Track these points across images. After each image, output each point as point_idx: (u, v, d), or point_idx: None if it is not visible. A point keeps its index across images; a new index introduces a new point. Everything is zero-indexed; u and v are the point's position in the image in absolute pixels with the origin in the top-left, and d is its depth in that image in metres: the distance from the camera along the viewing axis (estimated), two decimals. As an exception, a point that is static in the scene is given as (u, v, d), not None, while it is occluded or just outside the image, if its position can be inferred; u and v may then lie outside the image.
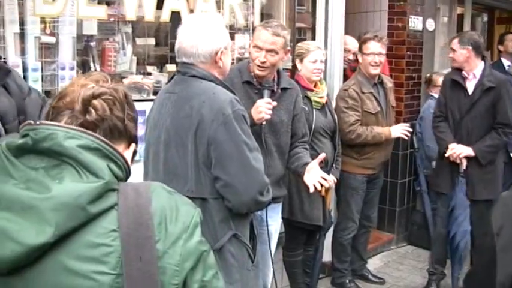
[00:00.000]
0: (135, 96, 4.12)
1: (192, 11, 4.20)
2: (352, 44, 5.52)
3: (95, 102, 1.34)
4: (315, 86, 4.41)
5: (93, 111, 1.33)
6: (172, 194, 1.36)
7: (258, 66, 3.52)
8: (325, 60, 4.64)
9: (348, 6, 5.69)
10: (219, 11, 4.44)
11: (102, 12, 3.86)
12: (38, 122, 1.26)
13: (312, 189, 3.45)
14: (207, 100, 2.61)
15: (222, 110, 2.58)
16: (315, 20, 5.33)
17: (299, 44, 4.57)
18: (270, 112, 3.39)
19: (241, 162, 2.59)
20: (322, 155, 3.63)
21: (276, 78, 3.67)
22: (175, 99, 2.73)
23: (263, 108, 3.37)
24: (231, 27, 4.54)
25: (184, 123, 2.65)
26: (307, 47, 4.43)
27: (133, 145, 1.46)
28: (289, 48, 3.67)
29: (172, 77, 2.89)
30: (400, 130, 4.83)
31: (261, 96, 3.49)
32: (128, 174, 1.35)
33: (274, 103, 3.45)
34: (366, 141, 4.78)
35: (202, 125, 2.58)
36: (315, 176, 3.47)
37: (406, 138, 4.94)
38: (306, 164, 3.59)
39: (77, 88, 1.36)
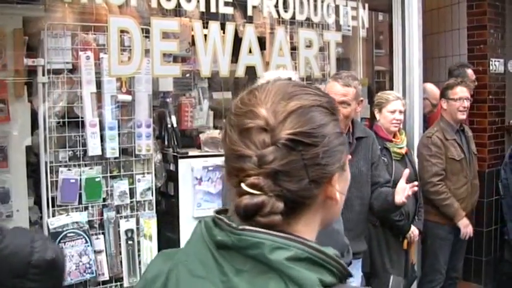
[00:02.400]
0: (212, 151, 3.95)
1: (267, 63, 3.99)
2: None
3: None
4: (394, 137, 4.10)
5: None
6: None
7: None
8: (405, 110, 4.30)
9: (427, 51, 5.38)
10: (295, 63, 4.22)
11: (176, 70, 3.70)
12: (240, 227, 0.99)
13: (401, 200, 3.19)
14: None
15: None
16: (392, 64, 5.04)
17: (378, 94, 4.29)
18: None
19: None
20: (406, 171, 3.30)
21: (350, 129, 3.43)
22: None
23: None
24: (307, 78, 4.31)
25: None
26: (387, 97, 4.14)
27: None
28: (362, 99, 3.44)
29: None
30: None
31: None
32: (345, 273, 1.04)
33: (349, 156, 3.14)
34: (437, 203, 4.40)
35: None
36: (403, 190, 3.21)
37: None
38: (393, 192, 3.30)
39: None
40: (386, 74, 5.34)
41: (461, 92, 4.51)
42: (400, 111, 4.09)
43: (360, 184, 3.38)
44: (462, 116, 4.51)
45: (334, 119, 1.06)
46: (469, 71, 5.39)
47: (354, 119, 3.50)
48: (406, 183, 3.95)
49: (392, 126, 4.06)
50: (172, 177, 3.90)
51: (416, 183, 3.31)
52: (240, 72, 3.83)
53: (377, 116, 4.16)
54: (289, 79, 1.10)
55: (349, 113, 3.32)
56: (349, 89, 3.28)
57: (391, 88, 4.96)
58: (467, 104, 4.51)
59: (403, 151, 4.11)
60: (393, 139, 4.09)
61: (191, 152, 3.95)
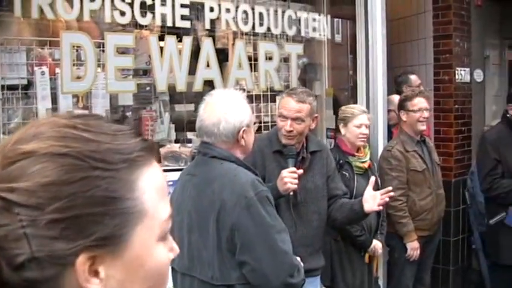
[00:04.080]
0: (172, 165, 3.95)
1: (225, 79, 4.02)
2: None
3: None
4: (357, 151, 4.12)
5: None
6: None
7: (285, 135, 3.31)
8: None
9: (393, 61, 5.44)
10: (255, 75, 4.26)
11: (132, 86, 3.69)
12: None
13: (371, 208, 3.24)
14: (228, 183, 2.45)
15: (244, 193, 2.41)
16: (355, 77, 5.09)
17: (343, 108, 4.27)
18: (296, 181, 3.14)
19: (268, 246, 2.40)
20: (372, 178, 3.36)
21: (304, 144, 3.44)
22: (197, 182, 2.58)
23: (288, 178, 3.12)
24: (271, 89, 4.36)
25: (206, 207, 2.48)
26: (352, 111, 4.12)
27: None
28: (316, 115, 3.46)
29: (193, 157, 2.73)
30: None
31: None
32: None
33: (300, 171, 3.20)
34: (392, 219, 4.44)
35: (225, 210, 2.41)
36: (375, 199, 3.22)
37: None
38: (360, 200, 3.32)
39: None
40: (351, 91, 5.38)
41: (420, 102, 4.54)
42: (366, 126, 4.10)
43: (316, 199, 3.41)
44: (422, 127, 4.54)
45: (96, 175, 0.75)
46: (413, 77, 5.43)
47: (308, 133, 3.51)
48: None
49: (358, 140, 4.06)
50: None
51: (390, 188, 3.34)
52: (198, 86, 3.85)
53: (342, 130, 4.13)
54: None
55: (303, 130, 3.32)
56: (303, 105, 3.29)
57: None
58: (426, 114, 4.54)
59: (366, 165, 4.13)
60: (356, 153, 4.10)
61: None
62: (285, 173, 3.15)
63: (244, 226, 2.38)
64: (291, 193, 3.19)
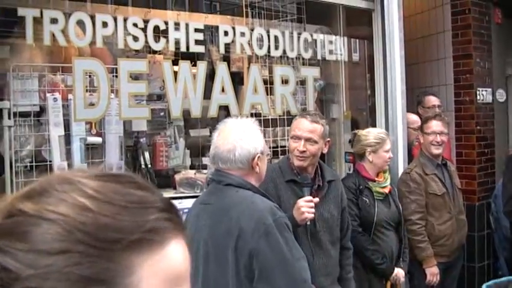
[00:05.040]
0: (188, 192, 3.94)
1: (240, 104, 4.00)
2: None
3: None
4: (377, 175, 4.05)
5: None
6: None
7: (298, 156, 3.27)
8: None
9: (413, 81, 5.38)
10: (271, 98, 4.23)
11: (145, 112, 3.67)
12: None
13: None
14: (245, 210, 2.45)
15: (262, 219, 2.40)
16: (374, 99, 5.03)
17: (364, 133, 4.12)
18: (313, 210, 3.10)
19: (287, 274, 2.39)
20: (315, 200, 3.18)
21: (319, 171, 3.40)
22: (212, 211, 2.56)
23: (305, 208, 3.08)
24: (287, 113, 4.32)
25: (223, 235, 2.46)
26: (380, 137, 4.03)
27: None
28: (329, 139, 3.42)
29: (208, 184, 2.72)
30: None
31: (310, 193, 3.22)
32: None
33: (316, 199, 3.17)
34: (411, 243, 4.32)
35: (243, 237, 2.40)
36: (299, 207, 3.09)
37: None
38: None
39: None
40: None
41: (435, 125, 4.48)
42: (390, 149, 4.09)
43: (331, 228, 3.37)
44: (436, 151, 4.47)
45: (79, 251, 0.66)
46: (428, 98, 5.39)
47: (320, 162, 3.46)
48: (390, 223, 3.96)
49: (386, 164, 4.05)
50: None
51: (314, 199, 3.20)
52: (213, 112, 3.83)
53: (369, 157, 4.02)
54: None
55: (316, 152, 3.29)
56: (317, 125, 3.27)
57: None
58: (440, 138, 4.46)
59: (386, 190, 4.05)
60: (376, 178, 4.03)
61: (166, 194, 3.90)
62: (301, 202, 3.10)
63: (262, 252, 2.37)
64: (308, 222, 3.13)
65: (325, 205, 3.33)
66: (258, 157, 2.56)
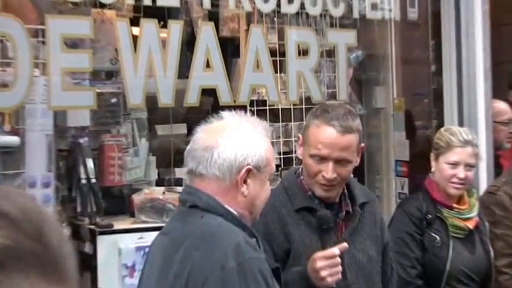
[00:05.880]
0: (155, 221, 3.95)
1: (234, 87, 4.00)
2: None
3: None
4: (458, 201, 3.96)
5: None
6: None
7: (323, 185, 3.12)
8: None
9: (501, 53, 5.39)
10: (281, 78, 4.24)
11: (88, 99, 3.67)
12: None
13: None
14: (201, 246, 2.44)
15: (220, 261, 2.37)
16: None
17: (441, 130, 4.11)
18: (339, 270, 2.95)
19: None
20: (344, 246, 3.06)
21: (345, 191, 3.26)
22: (165, 246, 2.60)
23: (326, 271, 2.89)
24: (306, 101, 4.33)
25: (171, 283, 2.46)
26: (449, 139, 3.91)
27: None
28: (363, 145, 3.26)
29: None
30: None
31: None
32: None
33: (345, 245, 3.00)
34: None
35: (191, 286, 2.40)
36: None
37: None
38: None
39: None
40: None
41: None
42: (468, 166, 3.90)
43: (370, 277, 3.25)
44: None
45: None
46: None
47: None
48: (471, 276, 3.95)
49: (450, 187, 3.90)
50: (87, 265, 3.87)
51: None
52: (193, 98, 3.84)
53: (432, 165, 4.01)
54: None
55: (348, 174, 3.20)
56: (351, 136, 3.07)
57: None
58: None
59: (471, 225, 3.95)
60: (455, 204, 3.96)
61: (118, 224, 3.94)
62: (319, 261, 2.91)
63: None
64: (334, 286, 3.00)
65: (358, 241, 3.21)
66: (249, 171, 2.50)
